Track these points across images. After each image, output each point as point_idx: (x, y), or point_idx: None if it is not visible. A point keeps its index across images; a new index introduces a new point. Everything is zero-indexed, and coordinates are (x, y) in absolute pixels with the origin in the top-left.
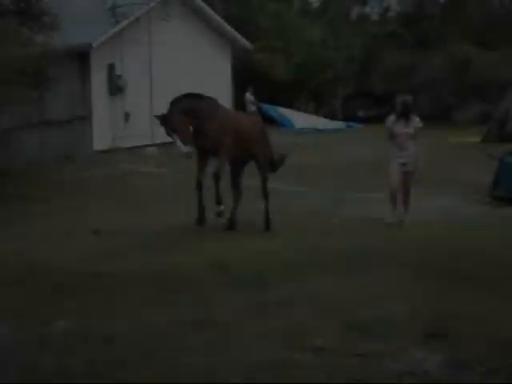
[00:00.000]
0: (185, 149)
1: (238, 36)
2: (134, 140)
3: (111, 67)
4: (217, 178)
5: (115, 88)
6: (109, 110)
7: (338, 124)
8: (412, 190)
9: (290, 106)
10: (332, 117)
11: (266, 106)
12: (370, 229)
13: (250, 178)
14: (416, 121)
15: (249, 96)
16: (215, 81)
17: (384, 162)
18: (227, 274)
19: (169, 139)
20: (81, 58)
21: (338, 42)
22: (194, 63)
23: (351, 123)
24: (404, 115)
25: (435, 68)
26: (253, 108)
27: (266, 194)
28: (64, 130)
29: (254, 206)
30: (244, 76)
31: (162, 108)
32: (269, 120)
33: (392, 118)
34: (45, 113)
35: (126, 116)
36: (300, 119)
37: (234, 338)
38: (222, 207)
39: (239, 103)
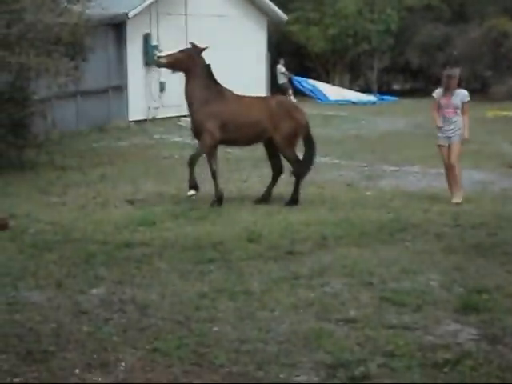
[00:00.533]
0: None
1: (274, 7)
2: (169, 110)
3: (147, 37)
4: (191, 160)
5: (151, 58)
6: (144, 80)
7: (371, 97)
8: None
9: (325, 77)
10: (367, 89)
11: (297, 79)
12: (404, 201)
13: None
14: (463, 94)
15: (280, 67)
16: (251, 52)
17: (419, 135)
18: (260, 244)
19: None
20: (117, 27)
21: (373, 14)
22: (229, 34)
23: (385, 96)
24: (450, 88)
25: (472, 41)
26: (284, 80)
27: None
28: (100, 100)
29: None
30: (280, 48)
31: None
32: (301, 92)
33: (439, 90)
34: (81, 83)
35: (162, 86)
36: (333, 91)
37: (266, 308)
38: (192, 192)
39: (275, 75)
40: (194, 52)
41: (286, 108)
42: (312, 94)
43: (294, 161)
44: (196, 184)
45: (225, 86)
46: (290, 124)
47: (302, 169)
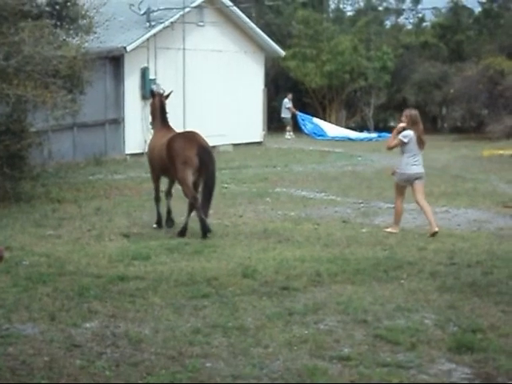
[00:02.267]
0: None
1: (271, 43)
2: None
3: (144, 71)
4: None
5: (148, 92)
6: (141, 113)
7: (370, 134)
8: (444, 201)
9: (322, 113)
10: (363, 126)
11: (302, 116)
12: (399, 239)
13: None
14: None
15: (287, 102)
16: (248, 87)
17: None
18: (255, 280)
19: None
20: (115, 61)
21: (370, 51)
22: (227, 69)
23: (381, 133)
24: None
25: (468, 80)
26: (287, 115)
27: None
28: (96, 133)
29: (283, 214)
30: (277, 83)
31: (195, 112)
32: (301, 130)
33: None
34: (78, 115)
35: None
36: (333, 129)
37: (260, 344)
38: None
39: (272, 109)
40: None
41: None
42: (311, 133)
43: None
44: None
45: (221, 119)
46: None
47: None
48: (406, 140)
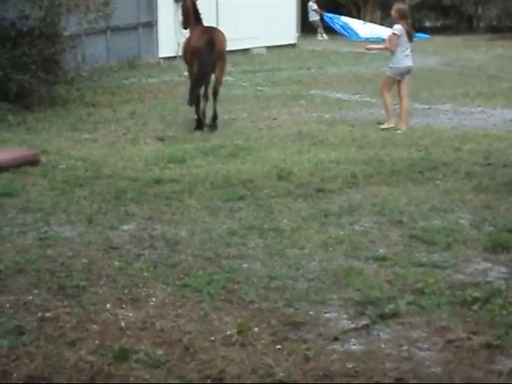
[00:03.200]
0: None
1: None
2: None
3: None
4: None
5: None
6: (174, 16)
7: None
8: (480, 101)
9: (356, 14)
10: None
11: (329, 15)
12: (435, 140)
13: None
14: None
15: (312, 5)
16: None
17: (451, 74)
18: (290, 182)
19: (233, 47)
20: None
21: None
22: None
23: (416, 34)
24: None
25: None
26: (315, 17)
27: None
28: (130, 37)
29: (317, 116)
30: None
31: (227, 15)
32: (332, 29)
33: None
34: (111, 19)
35: None
36: (365, 29)
37: (296, 246)
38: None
39: (306, 10)
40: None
41: None
42: (343, 32)
43: None
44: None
45: (254, 22)
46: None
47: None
48: (398, 33)
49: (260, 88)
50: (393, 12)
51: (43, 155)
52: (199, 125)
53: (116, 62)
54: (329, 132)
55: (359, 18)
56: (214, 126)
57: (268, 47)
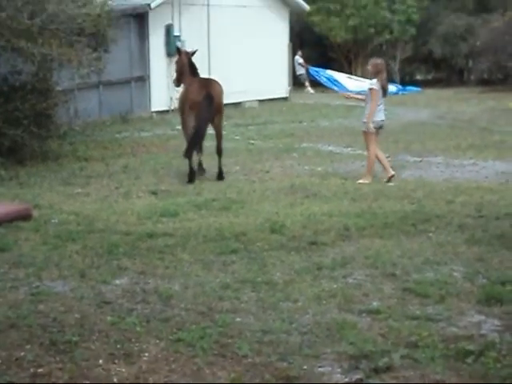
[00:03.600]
0: None
1: None
2: None
3: (169, 28)
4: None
5: (173, 49)
6: (166, 70)
7: (392, 87)
8: (472, 153)
9: (347, 68)
10: (389, 79)
11: (314, 69)
12: (427, 192)
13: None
14: (369, 82)
15: (298, 58)
16: (273, 42)
17: (442, 126)
18: (283, 235)
19: (225, 101)
20: (139, 18)
21: (395, 3)
22: (252, 25)
23: (408, 87)
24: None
25: (494, 31)
26: (302, 71)
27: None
28: (122, 91)
29: (310, 169)
30: (302, 38)
31: (220, 69)
32: (319, 83)
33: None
34: (103, 73)
35: None
36: (350, 82)
37: (289, 299)
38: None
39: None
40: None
41: None
42: (330, 85)
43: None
44: None
45: (246, 75)
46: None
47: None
48: (376, 88)
49: (252, 141)
50: (369, 67)
51: (35, 209)
52: (192, 177)
53: (108, 116)
54: (321, 185)
55: (350, 72)
56: (221, 177)
57: (260, 100)
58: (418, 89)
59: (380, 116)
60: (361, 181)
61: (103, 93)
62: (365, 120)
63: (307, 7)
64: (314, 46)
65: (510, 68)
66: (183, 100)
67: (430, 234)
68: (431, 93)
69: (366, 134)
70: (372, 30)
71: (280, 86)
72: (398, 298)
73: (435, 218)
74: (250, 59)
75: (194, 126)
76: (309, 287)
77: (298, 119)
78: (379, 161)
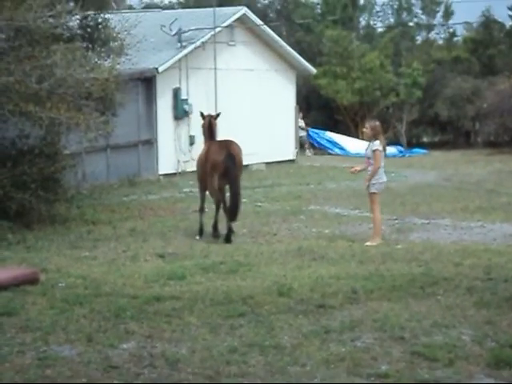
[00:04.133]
0: None
1: (302, 61)
2: None
3: (176, 91)
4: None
5: (180, 112)
6: (174, 133)
7: (393, 149)
8: (479, 215)
9: (354, 130)
10: (396, 142)
11: (314, 131)
12: (435, 255)
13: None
14: (373, 144)
15: (299, 121)
16: (280, 105)
17: (449, 188)
18: (291, 298)
19: None
20: (147, 82)
21: (401, 66)
22: (259, 87)
23: (414, 149)
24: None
25: (501, 94)
26: (303, 133)
27: None
28: (130, 154)
29: (317, 231)
30: (308, 100)
31: (228, 131)
32: (320, 145)
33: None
34: (111, 136)
35: (191, 140)
36: (352, 143)
37: (297, 363)
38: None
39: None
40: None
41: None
42: (329, 147)
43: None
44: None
45: (254, 138)
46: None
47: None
48: (380, 149)
49: (259, 204)
50: (366, 129)
51: (43, 273)
52: (201, 232)
53: (116, 179)
54: (329, 247)
55: (357, 134)
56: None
57: (267, 163)
58: (425, 151)
59: (384, 177)
60: (368, 243)
61: (111, 156)
62: (374, 181)
63: (314, 70)
64: (321, 109)
65: None
66: (203, 161)
67: (439, 297)
68: (438, 155)
69: (372, 195)
70: (378, 93)
71: (287, 149)
72: (406, 362)
73: (443, 281)
74: (258, 122)
75: (230, 189)
76: (317, 351)
77: (305, 181)
78: (375, 223)
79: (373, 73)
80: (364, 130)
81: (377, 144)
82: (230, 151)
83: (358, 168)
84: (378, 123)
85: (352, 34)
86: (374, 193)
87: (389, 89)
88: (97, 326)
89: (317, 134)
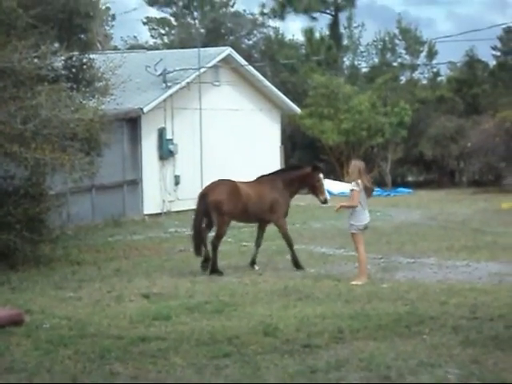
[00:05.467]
0: None
1: (287, 101)
2: (184, 203)
3: (162, 131)
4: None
5: (166, 152)
6: (159, 173)
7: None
8: (465, 254)
9: (339, 170)
10: (381, 181)
11: None
12: (421, 294)
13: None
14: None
15: None
16: (265, 145)
17: (434, 227)
18: (277, 338)
19: None
20: (132, 122)
21: (387, 106)
22: (243, 127)
23: (399, 188)
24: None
25: (485, 133)
26: None
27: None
28: (115, 194)
29: (303, 271)
30: (294, 140)
31: (212, 171)
32: None
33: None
34: (96, 177)
35: (177, 180)
36: (334, 185)
37: None
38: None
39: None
40: None
41: None
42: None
43: None
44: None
45: (239, 178)
46: None
47: None
48: (358, 189)
49: (245, 243)
50: (349, 169)
51: (27, 314)
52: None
53: (101, 219)
54: (314, 287)
55: (342, 174)
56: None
57: None
58: (410, 190)
59: (367, 217)
60: (354, 282)
61: (96, 196)
62: (352, 222)
63: (299, 110)
64: (306, 148)
65: (500, 169)
66: None
67: (424, 336)
68: (423, 194)
69: (353, 235)
70: (365, 133)
71: None
72: None
73: (429, 320)
74: (243, 161)
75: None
76: None
77: (291, 221)
78: (361, 263)
79: (362, 114)
80: (349, 170)
81: (354, 184)
82: (202, 191)
83: (343, 205)
84: (359, 162)
85: (341, 77)
86: (354, 233)
87: (376, 129)
88: (82, 367)
89: None
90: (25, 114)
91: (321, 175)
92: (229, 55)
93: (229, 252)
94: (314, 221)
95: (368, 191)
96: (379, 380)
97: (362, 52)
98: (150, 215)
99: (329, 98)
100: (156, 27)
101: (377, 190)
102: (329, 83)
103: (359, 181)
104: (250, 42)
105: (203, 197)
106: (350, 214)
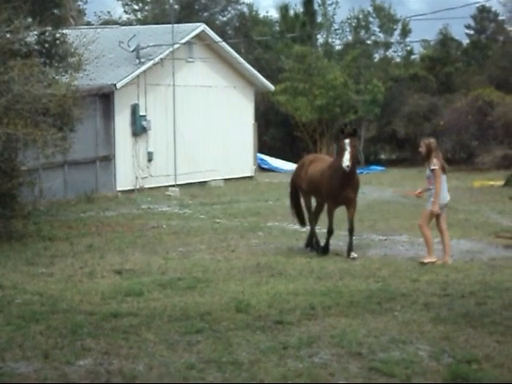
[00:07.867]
0: None
1: (261, 77)
2: (157, 180)
3: (135, 107)
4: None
5: (139, 128)
6: (132, 150)
7: None
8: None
9: (313, 147)
10: None
11: (259, 156)
12: (392, 271)
13: None
14: (430, 163)
15: None
16: (238, 122)
17: (407, 205)
18: (249, 314)
19: (191, 180)
20: (105, 98)
21: (360, 84)
22: (217, 104)
23: (372, 166)
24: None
25: (458, 111)
26: None
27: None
28: (87, 170)
29: (275, 248)
30: (267, 117)
31: (185, 148)
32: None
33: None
34: (69, 153)
35: (150, 156)
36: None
37: (255, 379)
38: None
39: (262, 144)
40: None
41: None
42: (272, 167)
43: None
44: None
45: (212, 155)
46: None
47: None
48: (438, 167)
49: (218, 220)
50: (422, 147)
51: None
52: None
53: (74, 195)
54: (287, 263)
55: (315, 150)
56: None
57: (226, 179)
58: (382, 168)
59: (447, 196)
60: (427, 260)
61: (68, 172)
62: (433, 199)
63: (272, 87)
64: (279, 125)
65: (473, 147)
66: None
67: (396, 313)
68: (396, 172)
69: (427, 212)
70: (338, 110)
71: (245, 165)
72: (364, 378)
73: (400, 297)
74: (216, 139)
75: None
76: (274, 367)
77: (264, 198)
78: (444, 241)
79: (336, 90)
80: (420, 149)
81: (434, 162)
82: None
83: (420, 190)
84: (432, 140)
85: (319, 50)
86: (431, 211)
87: (349, 106)
88: (53, 342)
89: (261, 159)
90: None
91: (346, 140)
92: (203, 31)
93: (201, 228)
94: (287, 198)
95: (444, 169)
96: (350, 356)
97: (335, 29)
98: (123, 191)
99: (305, 72)
100: (130, 3)
101: (372, 167)
102: (309, 53)
103: (435, 160)
104: (224, 19)
105: None
106: (431, 192)
